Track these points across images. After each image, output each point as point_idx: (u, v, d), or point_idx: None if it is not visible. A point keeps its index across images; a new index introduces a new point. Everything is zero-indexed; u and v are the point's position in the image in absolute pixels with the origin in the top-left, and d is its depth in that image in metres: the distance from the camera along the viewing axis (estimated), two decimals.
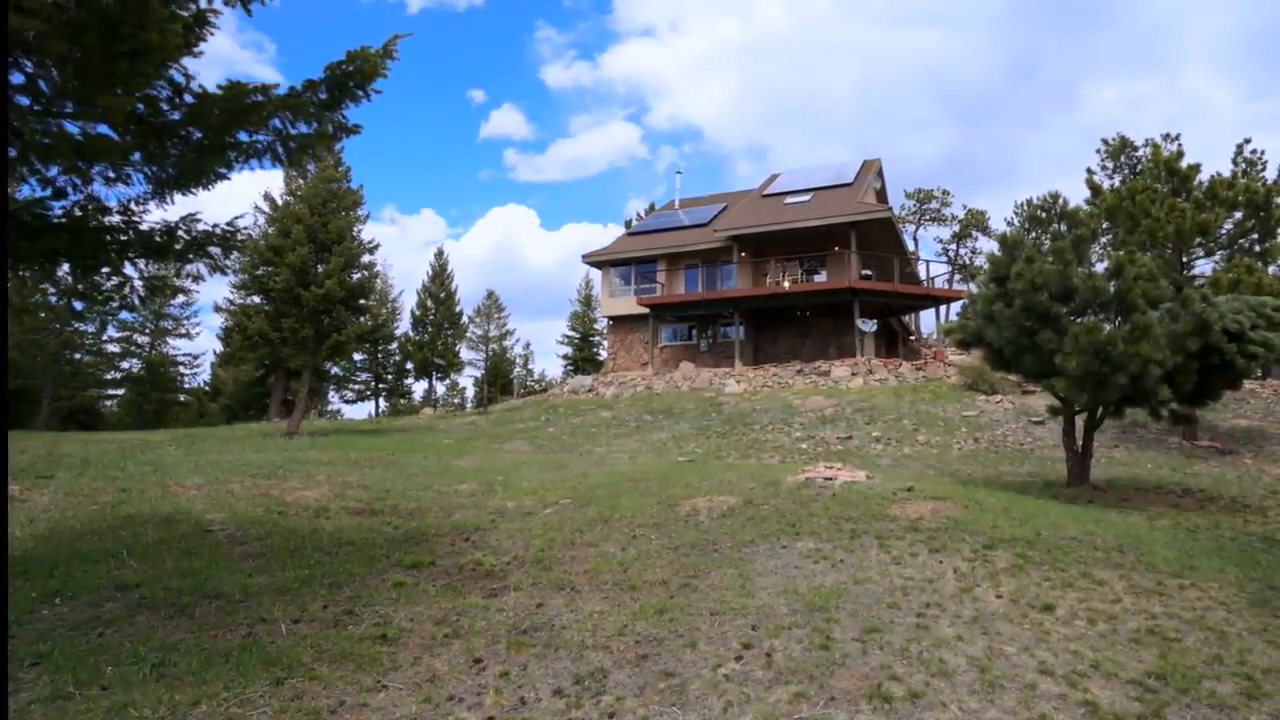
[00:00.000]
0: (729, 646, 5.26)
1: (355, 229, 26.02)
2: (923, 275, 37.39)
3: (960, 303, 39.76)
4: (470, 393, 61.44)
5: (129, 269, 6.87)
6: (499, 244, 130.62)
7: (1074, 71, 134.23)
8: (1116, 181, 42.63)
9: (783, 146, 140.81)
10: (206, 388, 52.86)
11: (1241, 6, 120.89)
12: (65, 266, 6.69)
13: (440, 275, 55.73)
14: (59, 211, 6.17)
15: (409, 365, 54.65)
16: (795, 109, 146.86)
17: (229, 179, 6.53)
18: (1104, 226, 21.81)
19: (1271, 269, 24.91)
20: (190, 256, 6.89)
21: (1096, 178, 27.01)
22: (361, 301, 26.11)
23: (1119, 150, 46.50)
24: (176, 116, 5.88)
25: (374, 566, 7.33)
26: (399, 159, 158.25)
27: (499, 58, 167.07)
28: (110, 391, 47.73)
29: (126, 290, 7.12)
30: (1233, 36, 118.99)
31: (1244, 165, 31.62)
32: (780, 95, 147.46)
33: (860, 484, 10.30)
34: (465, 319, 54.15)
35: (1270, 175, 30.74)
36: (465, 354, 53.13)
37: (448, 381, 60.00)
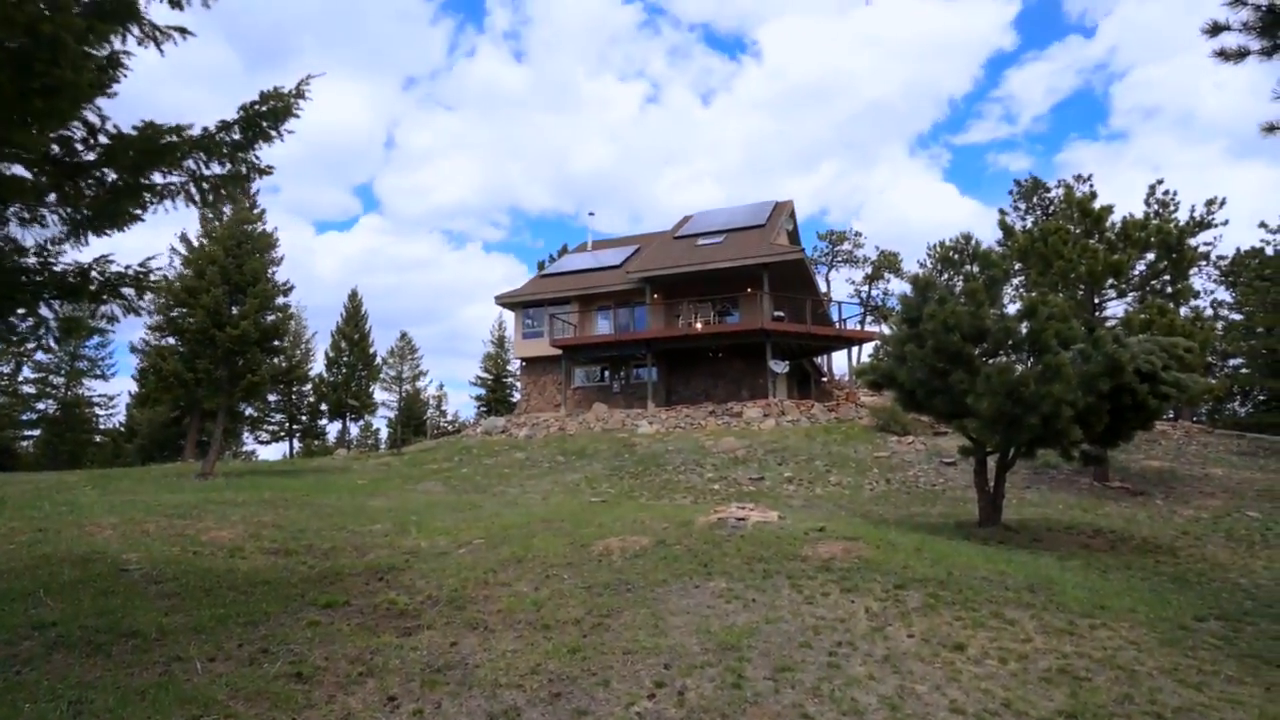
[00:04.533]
0: (642, 685, 5.34)
1: (270, 271, 25.95)
2: (835, 317, 37.89)
3: (873, 344, 40.46)
4: (384, 434, 60.74)
5: (44, 310, 6.79)
6: None
7: None
8: (1029, 223, 44.05)
9: None
10: (122, 428, 51.23)
11: None
12: None
13: (355, 316, 54.98)
14: None
15: (323, 406, 53.75)
16: None
17: (143, 220, 6.50)
18: (1016, 268, 22.34)
19: (1184, 310, 25.68)
20: (104, 298, 6.82)
21: (1009, 219, 27.79)
22: (276, 343, 25.94)
23: (1031, 191, 48.15)
24: (91, 157, 5.87)
25: (289, 605, 7.28)
26: None
27: None
28: (26, 432, 46.22)
29: (42, 331, 7.02)
30: None
31: (1156, 206, 32.90)
32: None
33: (772, 524, 10.43)
34: (379, 360, 53.58)
35: (1183, 216, 32.03)
36: (379, 395, 52.54)
37: (361, 422, 59.13)
